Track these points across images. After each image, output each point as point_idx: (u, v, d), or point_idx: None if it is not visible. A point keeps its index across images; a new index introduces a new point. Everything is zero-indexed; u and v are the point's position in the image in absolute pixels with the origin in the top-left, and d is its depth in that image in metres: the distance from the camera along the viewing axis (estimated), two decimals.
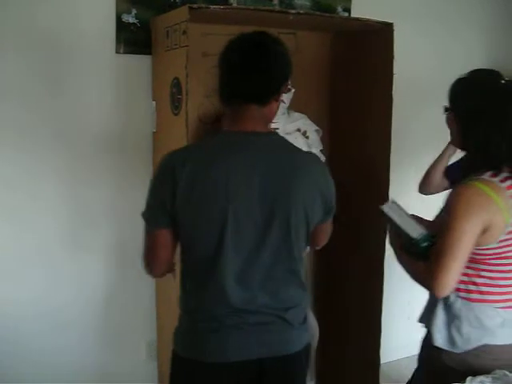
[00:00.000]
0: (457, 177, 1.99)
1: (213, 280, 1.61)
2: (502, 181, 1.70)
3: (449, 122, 1.86)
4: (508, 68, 3.42)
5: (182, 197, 1.56)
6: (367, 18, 2.50)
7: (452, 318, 1.78)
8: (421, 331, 2.02)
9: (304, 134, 2.63)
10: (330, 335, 3.11)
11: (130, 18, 2.56)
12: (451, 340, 1.78)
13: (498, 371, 1.71)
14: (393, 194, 2.59)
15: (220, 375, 1.64)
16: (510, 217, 1.68)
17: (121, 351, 2.82)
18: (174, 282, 2.50)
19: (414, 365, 2.06)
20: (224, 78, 1.63)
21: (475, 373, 1.73)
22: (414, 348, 2.12)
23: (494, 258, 1.74)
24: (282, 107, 2.49)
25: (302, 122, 2.64)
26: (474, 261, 1.75)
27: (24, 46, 2.42)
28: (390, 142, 2.58)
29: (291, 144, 1.70)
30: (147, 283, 2.80)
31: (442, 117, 1.89)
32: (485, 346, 1.76)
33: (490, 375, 1.68)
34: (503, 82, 1.75)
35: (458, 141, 1.85)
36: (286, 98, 2.53)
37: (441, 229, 1.73)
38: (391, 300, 2.80)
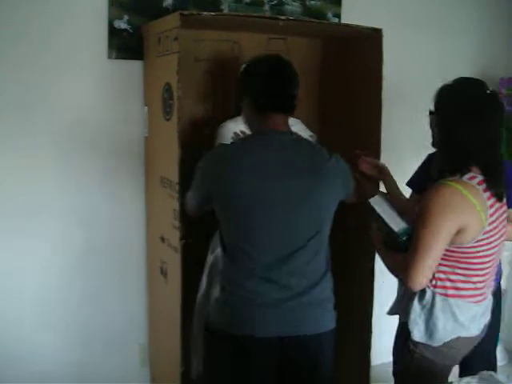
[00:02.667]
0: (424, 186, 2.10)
1: (246, 263, 1.89)
2: (479, 183, 1.78)
3: (432, 124, 1.94)
4: (493, 74, 3.49)
5: (217, 188, 1.90)
6: (357, 24, 2.53)
7: (429, 313, 1.87)
8: None
9: None
10: None
11: (122, 24, 2.58)
12: (429, 334, 1.88)
13: (484, 372, 1.75)
14: None
15: (249, 348, 1.88)
16: (486, 218, 1.75)
17: (113, 355, 2.82)
18: (166, 286, 2.52)
19: None
20: (261, 95, 1.94)
21: (449, 361, 1.94)
22: None
23: (470, 257, 1.82)
24: None
25: (297, 127, 2.64)
26: (450, 259, 1.83)
27: (16, 50, 2.44)
28: (380, 145, 2.61)
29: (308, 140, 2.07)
30: (139, 287, 2.82)
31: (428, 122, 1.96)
32: (458, 338, 1.88)
33: (476, 376, 1.73)
34: (488, 91, 1.83)
35: (438, 142, 1.94)
36: None
37: (416, 225, 1.80)
38: (383, 301, 2.81)
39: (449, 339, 1.87)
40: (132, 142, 2.71)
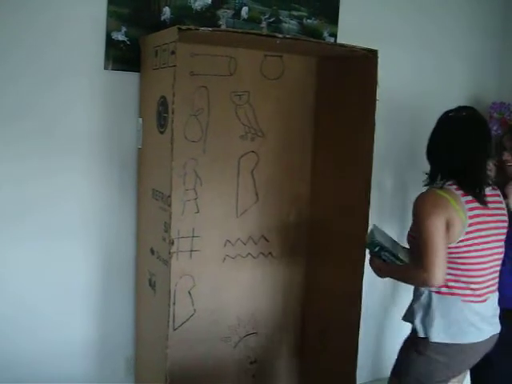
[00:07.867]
0: None
1: None
2: (456, 189, 2.08)
3: None
4: (491, 95, 3.53)
5: None
6: (352, 44, 2.55)
7: (427, 309, 2.10)
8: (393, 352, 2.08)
9: None
10: (308, 353, 3.13)
11: (119, 36, 2.60)
12: (426, 329, 2.09)
13: None
14: (373, 213, 2.64)
15: None
16: (465, 218, 2.04)
17: (99, 366, 2.81)
18: (154, 298, 2.52)
19: None
20: None
21: (442, 367, 2.12)
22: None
23: (457, 258, 2.06)
24: None
25: None
26: None
27: (12, 58, 2.44)
28: (372, 163, 2.62)
29: None
30: (128, 298, 2.81)
31: (424, 142, 2.13)
32: (455, 344, 2.08)
33: None
34: (451, 114, 2.16)
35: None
36: None
37: (417, 231, 2.07)
38: (369, 320, 2.83)
39: (445, 335, 2.07)
40: (125, 154, 2.71)
